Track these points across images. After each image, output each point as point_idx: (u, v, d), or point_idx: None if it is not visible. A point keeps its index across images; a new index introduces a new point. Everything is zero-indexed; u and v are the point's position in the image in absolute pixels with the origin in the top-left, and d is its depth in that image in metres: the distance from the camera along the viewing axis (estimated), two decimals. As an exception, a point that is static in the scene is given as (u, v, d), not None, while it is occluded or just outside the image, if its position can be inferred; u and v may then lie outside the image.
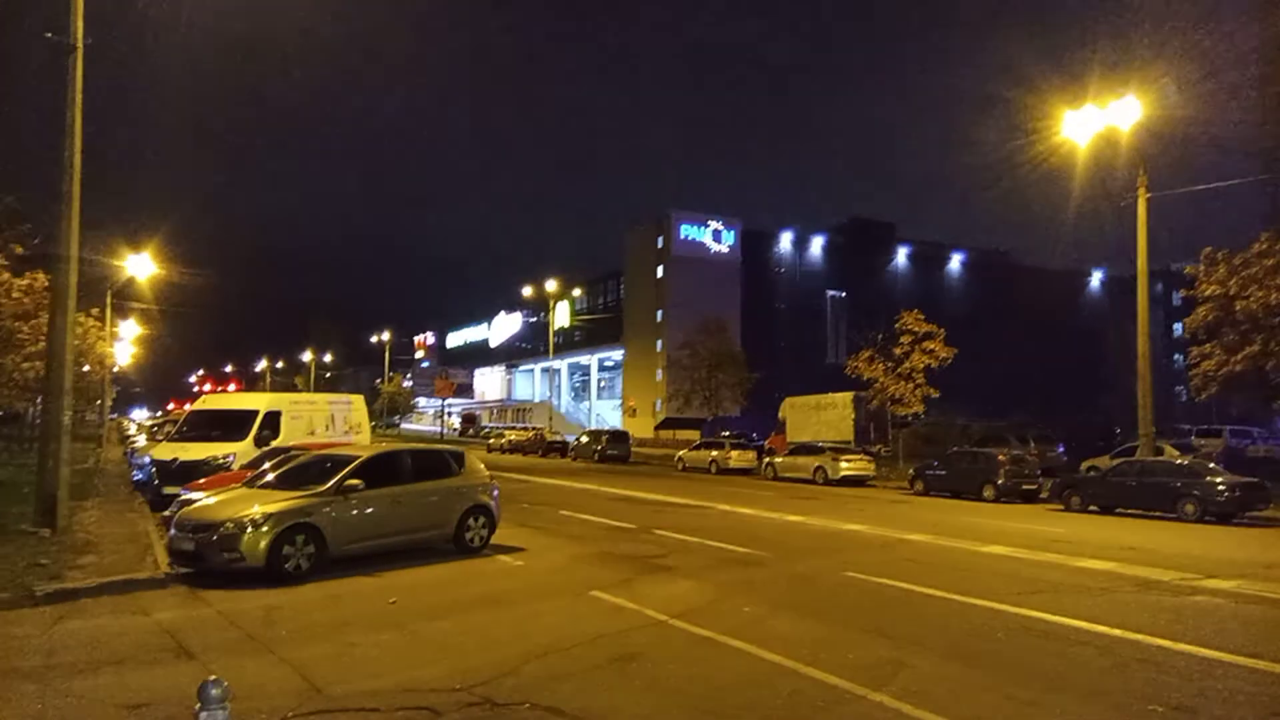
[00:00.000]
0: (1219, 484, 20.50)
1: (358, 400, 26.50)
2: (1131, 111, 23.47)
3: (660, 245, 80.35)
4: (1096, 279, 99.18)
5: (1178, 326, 49.38)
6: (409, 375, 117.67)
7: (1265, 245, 25.71)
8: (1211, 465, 22.42)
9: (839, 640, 8.63)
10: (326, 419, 24.03)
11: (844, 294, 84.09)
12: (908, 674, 7.46)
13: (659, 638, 8.70)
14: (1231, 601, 11.01)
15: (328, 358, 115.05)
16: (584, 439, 51.01)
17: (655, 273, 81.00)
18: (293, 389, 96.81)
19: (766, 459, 36.44)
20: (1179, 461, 22.95)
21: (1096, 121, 23.93)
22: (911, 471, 29.40)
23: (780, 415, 46.52)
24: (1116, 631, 9.12)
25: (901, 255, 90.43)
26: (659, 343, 77.67)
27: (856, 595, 11.07)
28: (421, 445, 16.59)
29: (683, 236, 79.47)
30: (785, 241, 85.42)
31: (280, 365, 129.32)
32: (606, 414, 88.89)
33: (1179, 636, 8.92)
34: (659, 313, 79.41)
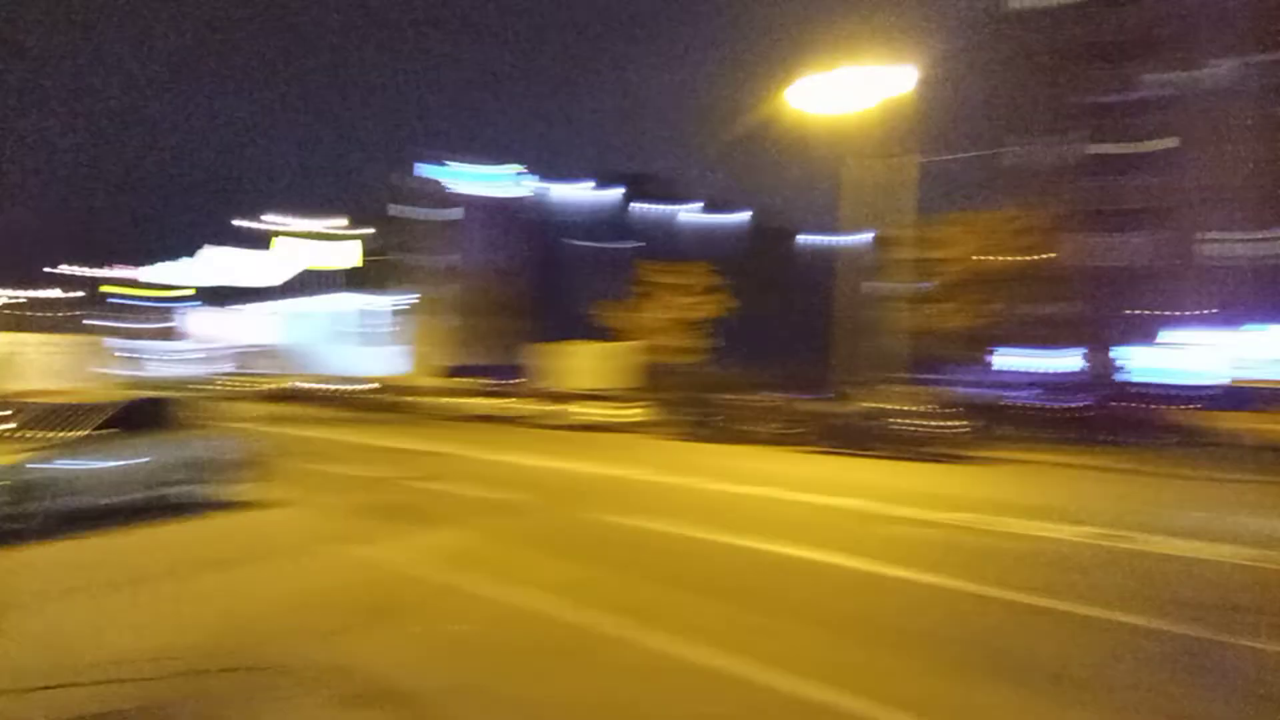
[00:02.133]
0: (929, 424, 23.00)
1: (88, 341, 23.85)
2: (867, 88, 25.33)
3: (448, 190, 78.33)
4: (826, 239, 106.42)
5: (897, 284, 54.32)
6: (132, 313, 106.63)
7: (1002, 213, 28.80)
8: (925, 407, 24.85)
9: (605, 582, 8.87)
10: (49, 362, 21.43)
11: (625, 246, 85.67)
12: (670, 611, 7.78)
13: (415, 587, 8.53)
14: (954, 533, 12.28)
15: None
16: (346, 386, 48.90)
17: (440, 217, 78.83)
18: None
19: (539, 405, 36.52)
20: (911, 407, 25.29)
21: (873, 89, 25.53)
22: (681, 418, 30.43)
23: (545, 361, 46.77)
24: (852, 563, 9.98)
25: (685, 211, 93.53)
26: (444, 289, 75.67)
27: (620, 538, 11.38)
28: (161, 393, 15.16)
29: (468, 182, 77.96)
30: (572, 192, 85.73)
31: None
32: (390, 360, 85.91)
33: (908, 564, 9.84)
34: (443, 258, 77.34)
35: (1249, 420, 24.33)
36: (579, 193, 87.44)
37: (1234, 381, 33.21)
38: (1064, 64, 52.05)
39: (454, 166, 78.90)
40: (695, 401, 29.17)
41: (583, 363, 43.78)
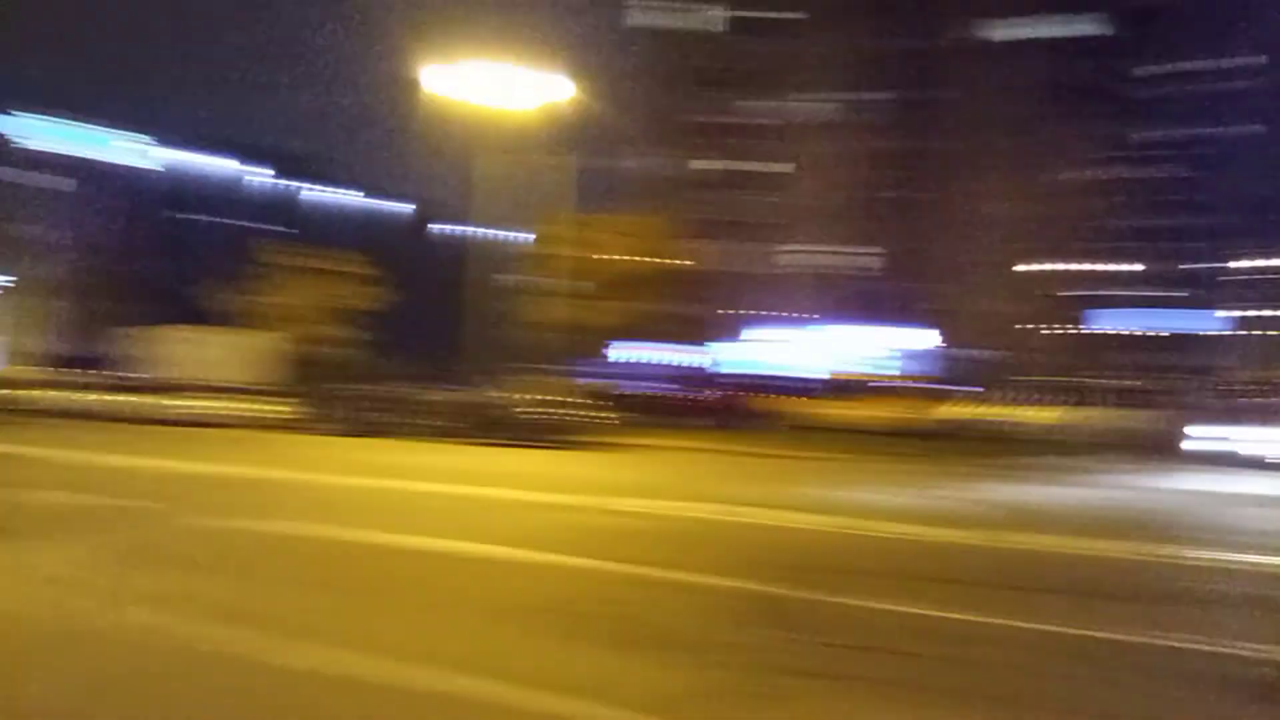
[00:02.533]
0: (563, 412, 24.12)
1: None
2: (507, 82, 25.83)
3: (35, 148, 67.30)
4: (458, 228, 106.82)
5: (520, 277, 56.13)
6: None
7: (606, 215, 30.71)
8: (555, 397, 25.96)
9: (231, 591, 8.25)
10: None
11: (270, 228, 79.20)
12: (303, 618, 7.39)
13: (35, 615, 7.37)
14: (570, 514, 12.90)
15: None
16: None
17: (47, 185, 67.62)
18: None
19: (157, 398, 32.90)
20: (554, 398, 26.25)
21: (479, 88, 25.83)
22: (325, 412, 28.98)
23: (166, 348, 42.10)
24: (504, 552, 10.07)
25: (338, 194, 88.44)
26: (50, 267, 64.88)
27: (254, 544, 10.61)
28: None
29: (64, 141, 67.58)
30: (209, 166, 77.49)
31: None
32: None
33: (522, 544, 10.15)
34: (49, 232, 66.27)
35: (845, 407, 28.28)
36: (215, 167, 79.88)
37: (833, 374, 38.35)
38: (697, 86, 56.80)
39: (42, 121, 68.30)
40: (340, 395, 28.01)
41: (211, 351, 40.00)
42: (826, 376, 36.40)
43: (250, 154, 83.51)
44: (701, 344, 48.60)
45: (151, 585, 8.18)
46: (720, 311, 48.52)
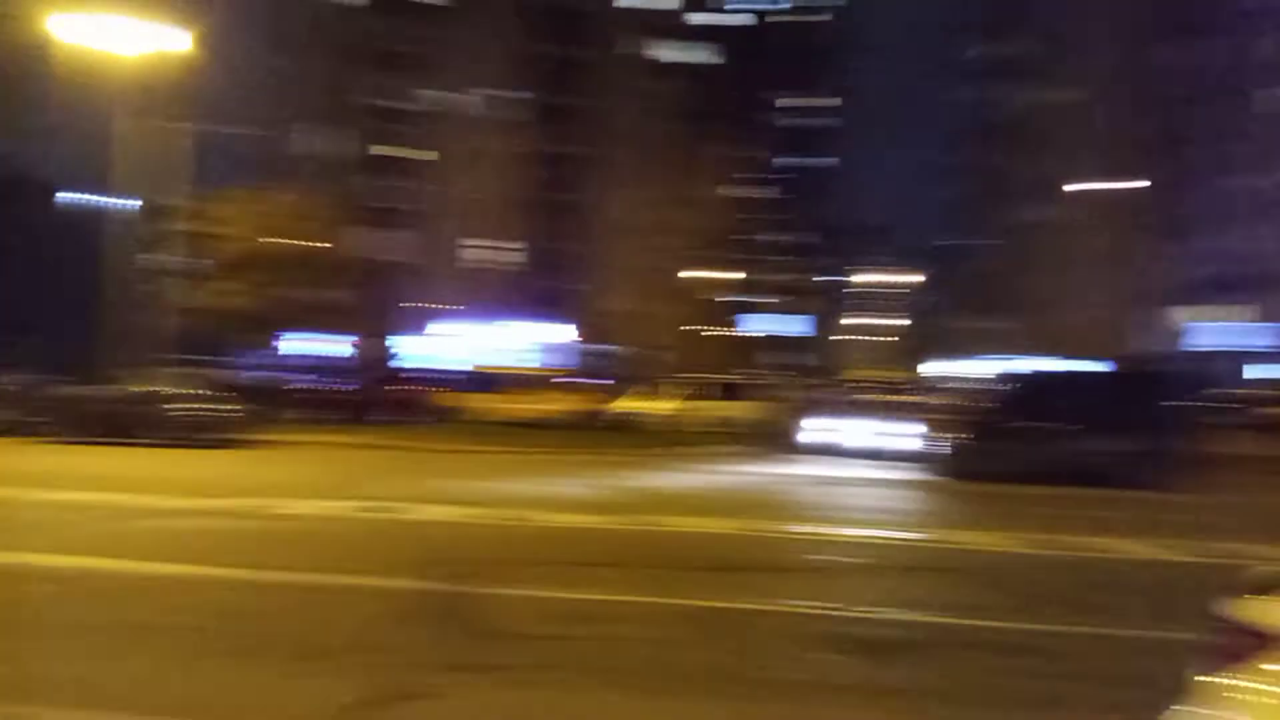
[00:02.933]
0: (207, 408, 21.86)
1: None
2: (140, 38, 22.83)
3: None
4: (83, 198, 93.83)
5: (165, 257, 50.86)
6: None
7: (268, 193, 28.43)
8: (201, 391, 23.65)
9: None
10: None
11: None
12: None
13: None
14: (212, 519, 11.85)
15: None
16: None
17: None
18: None
19: None
20: (172, 388, 23.60)
21: (112, 40, 22.60)
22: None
23: None
24: (111, 565, 8.89)
25: None
26: None
27: None
28: None
29: None
30: None
31: None
32: None
33: (156, 558, 9.20)
34: None
35: (492, 400, 28.42)
36: None
37: (476, 368, 38.48)
38: (345, 62, 54.31)
39: None
40: None
41: None
42: (471, 369, 36.38)
43: None
44: (354, 334, 46.50)
45: None
46: (381, 301, 46.87)
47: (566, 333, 55.66)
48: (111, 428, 21.41)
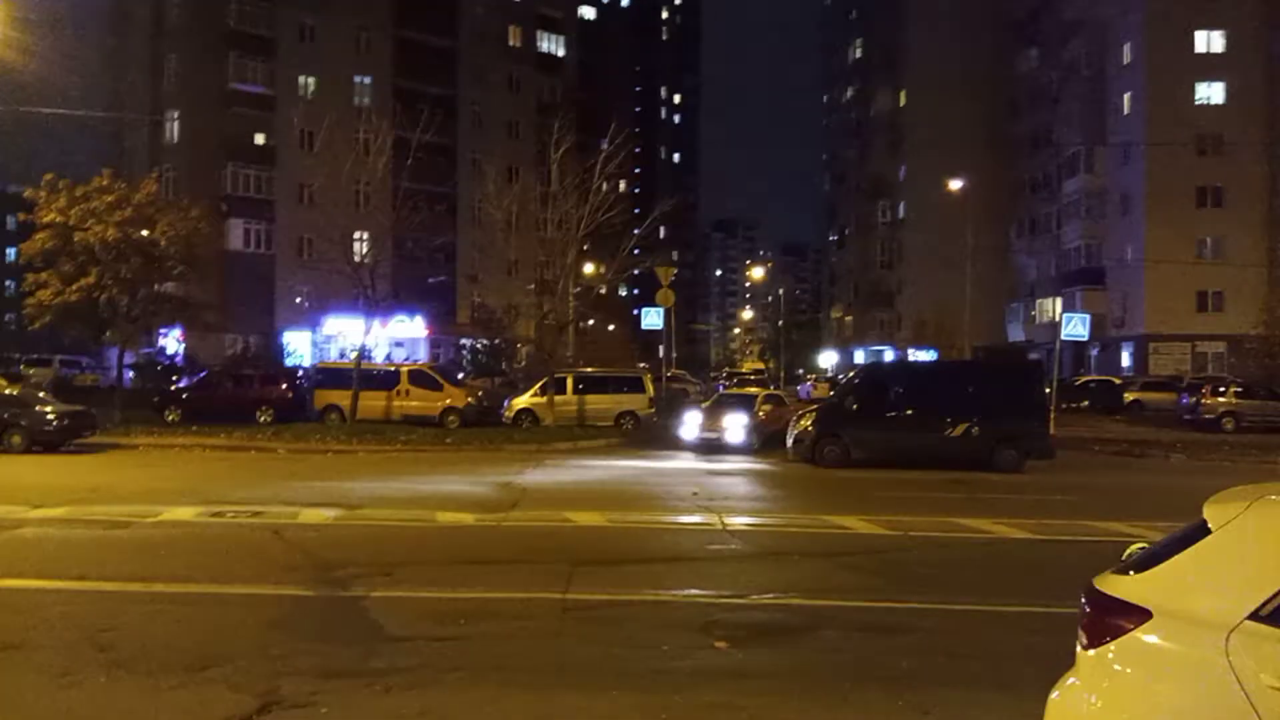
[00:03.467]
0: (48, 413, 20.51)
1: None
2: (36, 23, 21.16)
3: None
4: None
5: (11, 251, 47.31)
6: None
7: (106, 181, 26.64)
8: (41, 394, 22.32)
9: None
10: None
11: None
12: None
13: None
14: (59, 528, 11.21)
15: None
16: None
17: None
18: None
19: None
20: (8, 391, 22.17)
21: None
22: None
23: None
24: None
25: None
26: None
27: None
28: None
29: None
30: None
31: None
32: None
33: (5, 572, 8.64)
34: None
35: (338, 396, 27.29)
36: None
37: (321, 363, 37.40)
38: (209, 46, 51.68)
39: None
40: None
41: None
42: (335, 366, 35.13)
43: None
44: (241, 332, 44.45)
45: None
46: (254, 296, 44.79)
47: (434, 326, 54.76)
48: None
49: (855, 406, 20.48)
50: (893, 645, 6.85)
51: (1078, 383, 40.71)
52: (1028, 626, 7.30)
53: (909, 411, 19.98)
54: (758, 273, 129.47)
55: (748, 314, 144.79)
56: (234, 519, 11.95)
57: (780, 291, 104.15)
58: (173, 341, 42.07)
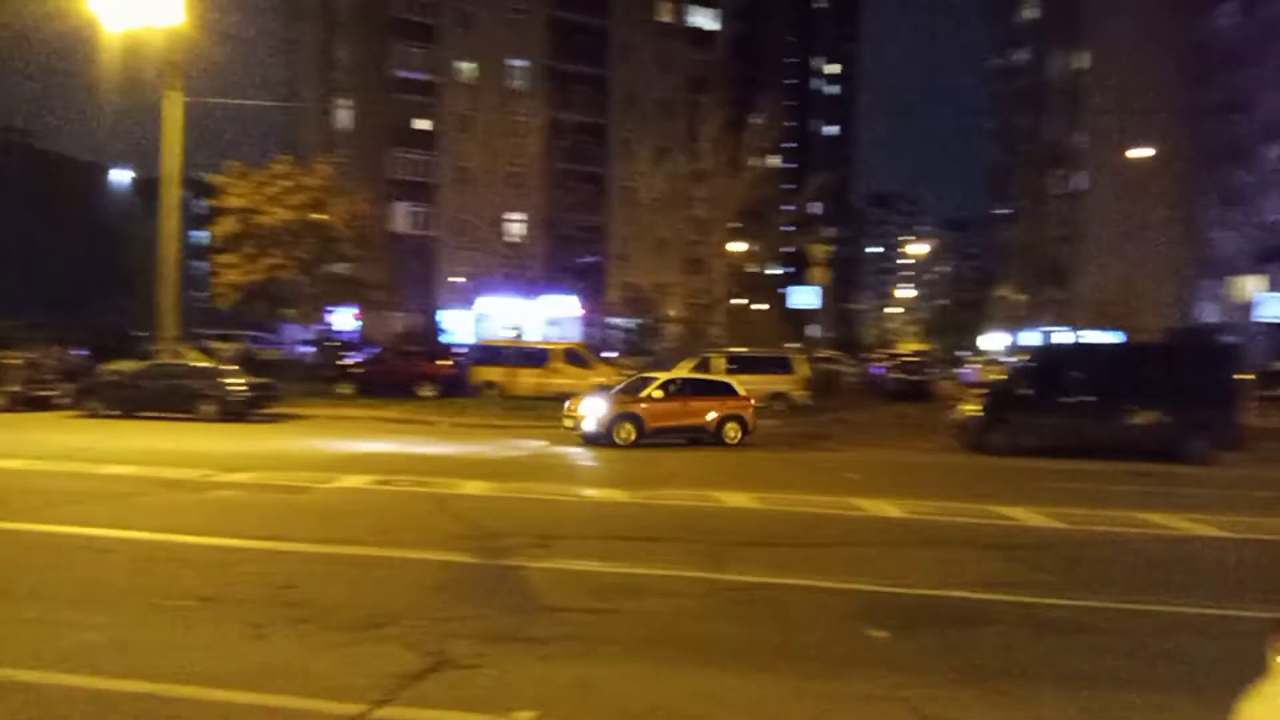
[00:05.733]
0: (237, 385, 22.16)
1: None
2: (169, 11, 22.86)
3: None
4: (123, 176, 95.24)
5: (198, 233, 51.30)
6: None
7: (283, 167, 28.48)
8: (229, 367, 24.13)
9: None
10: None
11: None
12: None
13: None
14: (248, 492, 12.10)
15: None
16: None
17: None
18: None
19: None
20: (199, 364, 24.04)
21: (133, 10, 22.60)
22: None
23: None
24: (144, 534, 9.13)
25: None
26: None
27: None
28: None
29: None
30: None
31: None
32: None
33: (202, 531, 9.39)
34: None
35: (520, 375, 28.28)
36: None
37: (482, 341, 38.55)
38: (369, 34, 54.05)
39: None
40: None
41: None
42: (478, 342, 36.24)
43: None
44: (408, 310, 46.80)
45: None
46: (419, 276, 47.10)
47: (586, 305, 55.61)
48: (156, 404, 21.78)
49: (1026, 391, 19.47)
50: (1066, 644, 6.49)
51: (1277, 368, 37.27)
52: (1215, 630, 6.77)
53: (1087, 397, 18.72)
54: (917, 249, 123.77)
55: (906, 292, 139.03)
56: (401, 488, 12.58)
57: (942, 269, 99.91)
58: (343, 319, 44.61)
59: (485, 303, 52.14)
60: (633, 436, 18.54)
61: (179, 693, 5.04)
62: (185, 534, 9.17)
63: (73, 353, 32.65)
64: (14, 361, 23.77)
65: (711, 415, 19.22)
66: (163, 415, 21.70)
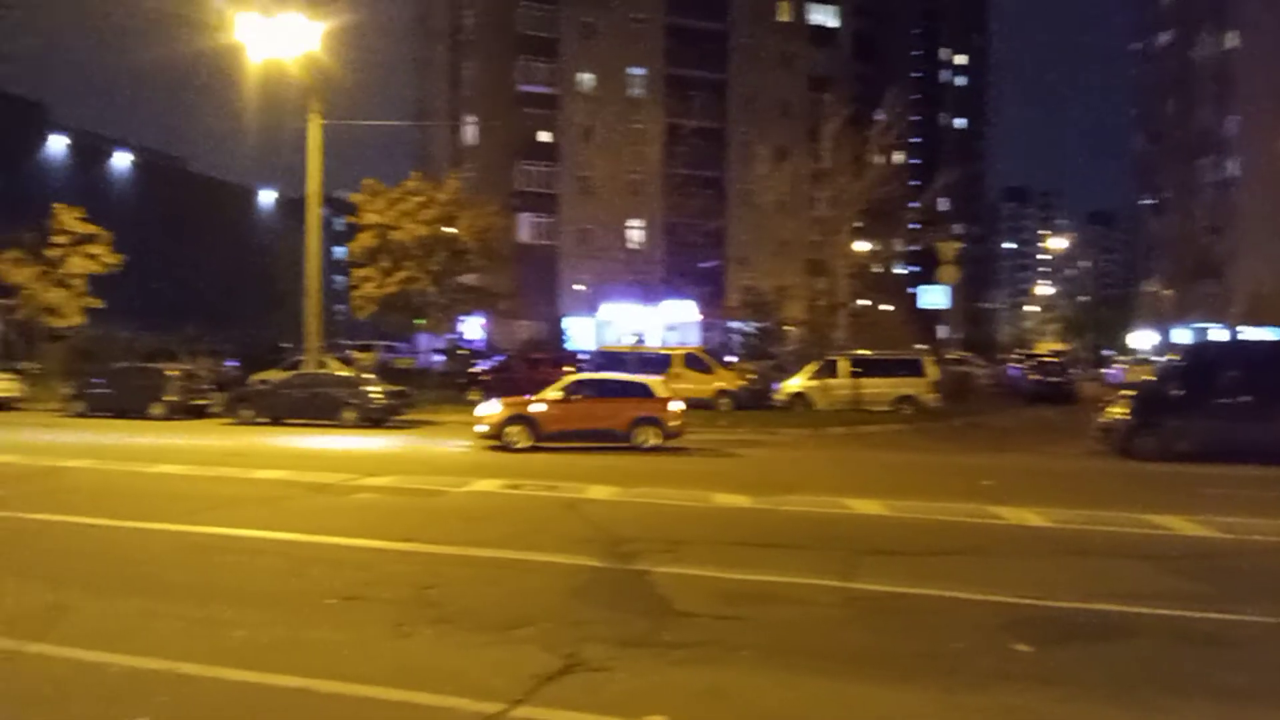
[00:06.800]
0: (376, 393, 23.16)
1: None
2: (312, 38, 24.16)
3: None
4: (269, 196, 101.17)
5: (338, 249, 53.83)
6: None
7: (415, 183, 29.66)
8: (368, 376, 25.23)
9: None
10: None
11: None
12: (74, 617, 6.70)
13: None
14: (387, 496, 12.61)
15: None
16: None
17: None
18: None
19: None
20: (341, 374, 25.26)
21: (279, 41, 23.98)
22: (69, 390, 26.29)
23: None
24: (293, 536, 9.63)
25: (56, 144, 78.78)
26: None
27: (6, 538, 9.49)
28: None
29: None
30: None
31: None
32: None
33: (347, 532, 9.82)
34: None
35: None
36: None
37: (603, 347, 38.85)
38: (489, 50, 55.54)
39: None
40: (130, 372, 25.53)
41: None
42: (598, 349, 36.55)
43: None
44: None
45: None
46: (543, 285, 48.26)
47: (706, 310, 55.51)
48: (301, 411, 23.00)
49: (1179, 392, 18.30)
50: (1223, 659, 6.08)
51: None
52: None
53: (1247, 398, 17.43)
54: (1056, 244, 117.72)
55: (1044, 289, 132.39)
56: (531, 491, 12.86)
57: (1083, 264, 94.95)
58: (472, 328, 45.96)
59: (607, 309, 52.78)
60: (527, 441, 17.71)
61: (328, 688, 5.28)
62: (331, 535, 9.63)
63: (225, 364, 34.87)
64: (173, 373, 25.56)
65: (622, 418, 18.23)
66: (307, 422, 22.88)
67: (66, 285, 33.16)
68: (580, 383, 19.40)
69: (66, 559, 8.59)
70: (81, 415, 24.76)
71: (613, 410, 18.32)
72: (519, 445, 17.73)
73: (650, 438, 18.15)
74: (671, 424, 18.37)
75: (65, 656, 5.80)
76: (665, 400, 18.69)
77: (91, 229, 33.46)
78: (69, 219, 33.21)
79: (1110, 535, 10.54)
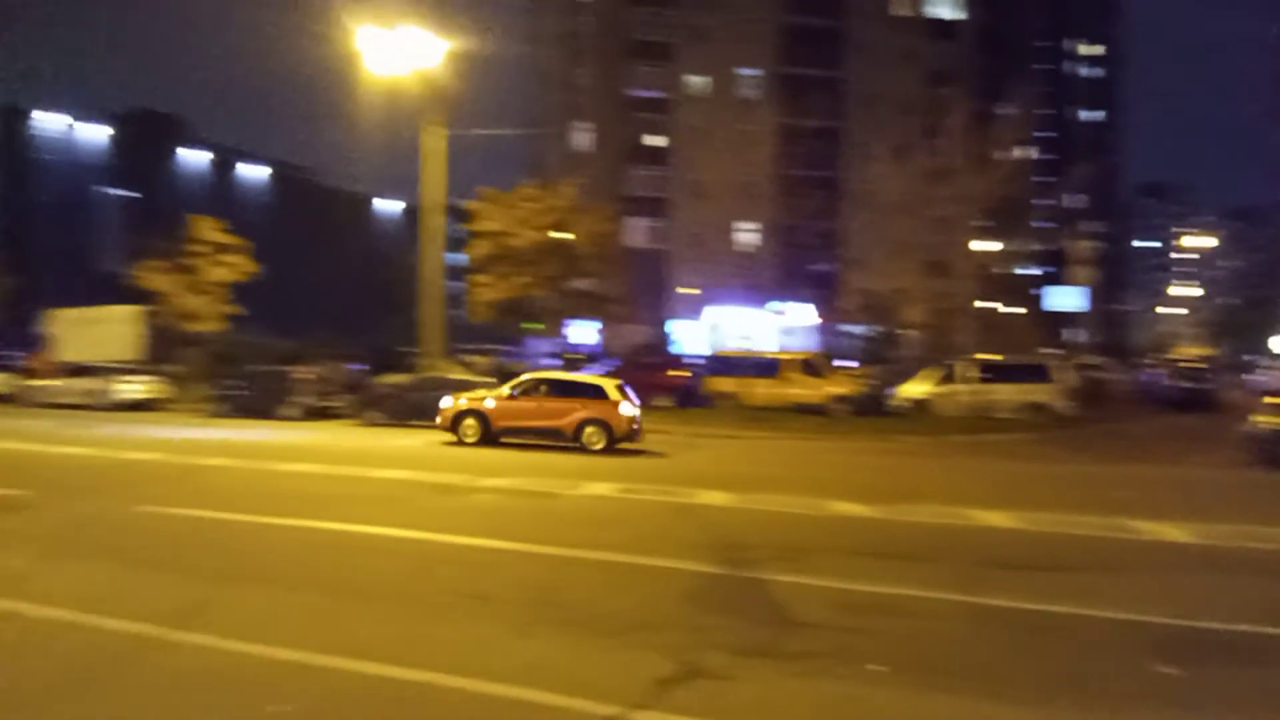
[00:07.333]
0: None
1: None
2: (431, 50, 24.90)
3: None
4: (393, 206, 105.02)
5: (455, 255, 55.30)
6: None
7: (530, 190, 30.23)
8: (485, 379, 25.79)
9: (137, 584, 7.78)
10: None
11: (126, 194, 74.98)
12: (218, 608, 7.06)
13: None
14: (505, 497, 12.86)
15: None
16: None
17: None
18: None
19: (28, 381, 31.00)
20: (460, 376, 25.89)
21: (399, 53, 24.79)
22: (209, 392, 27.87)
23: (47, 330, 39.69)
24: (418, 534, 9.91)
25: (195, 157, 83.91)
26: None
27: (153, 531, 10.10)
28: None
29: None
30: (51, 125, 72.62)
31: None
32: None
33: (469, 532, 10.03)
34: None
35: (756, 385, 28.26)
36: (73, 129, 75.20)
37: (717, 351, 38.61)
38: (597, 55, 56.09)
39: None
40: (265, 375, 26.93)
41: (104, 331, 37.72)
42: (712, 353, 36.34)
43: (114, 116, 78.99)
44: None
45: (28, 577, 7.66)
46: (637, 286, 48.52)
47: (820, 313, 54.58)
48: (423, 413, 23.68)
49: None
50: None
51: None
52: None
53: None
54: (1196, 242, 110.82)
55: (1183, 291, 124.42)
56: (644, 495, 12.89)
57: (1227, 264, 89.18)
58: (582, 331, 46.48)
59: (715, 312, 52.50)
60: (477, 434, 18.46)
61: (454, 683, 5.40)
62: (454, 534, 9.87)
63: (353, 367, 36.27)
64: (305, 376, 26.75)
65: (570, 418, 18.23)
66: (429, 424, 23.47)
67: (206, 292, 35.19)
68: (535, 381, 19.85)
69: (204, 552, 9.07)
70: (220, 415, 26.20)
71: (561, 410, 18.60)
72: (469, 439, 18.63)
73: (598, 440, 18.21)
74: (621, 428, 18.37)
75: (209, 645, 6.12)
76: (616, 403, 18.67)
77: (229, 238, 35.43)
78: (207, 229, 35.22)
79: (1258, 551, 9.88)
